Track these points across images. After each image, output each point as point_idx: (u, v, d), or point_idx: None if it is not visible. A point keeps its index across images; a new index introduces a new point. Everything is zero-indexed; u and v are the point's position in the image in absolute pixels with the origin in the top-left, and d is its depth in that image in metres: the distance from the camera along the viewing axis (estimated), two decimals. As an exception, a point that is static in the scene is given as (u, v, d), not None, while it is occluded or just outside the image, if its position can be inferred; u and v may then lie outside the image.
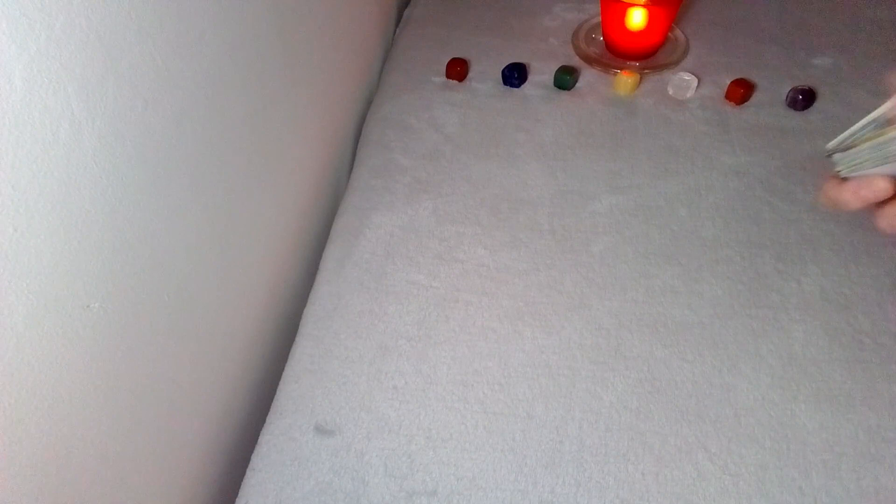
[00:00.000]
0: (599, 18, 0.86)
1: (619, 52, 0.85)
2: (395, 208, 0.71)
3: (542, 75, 0.84)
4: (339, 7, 0.74)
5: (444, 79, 0.84)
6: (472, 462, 0.54)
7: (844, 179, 0.53)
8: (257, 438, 0.57)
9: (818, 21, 0.89)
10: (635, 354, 0.59)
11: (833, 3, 0.91)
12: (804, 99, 0.77)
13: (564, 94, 0.82)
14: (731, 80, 0.79)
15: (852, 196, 0.51)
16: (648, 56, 0.85)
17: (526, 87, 0.83)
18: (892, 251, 0.63)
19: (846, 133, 0.56)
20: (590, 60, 0.85)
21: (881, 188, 0.43)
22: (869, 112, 0.53)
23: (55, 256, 0.37)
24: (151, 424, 0.48)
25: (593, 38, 0.88)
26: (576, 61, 0.85)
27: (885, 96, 0.76)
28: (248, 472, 0.55)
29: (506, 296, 0.63)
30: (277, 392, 0.59)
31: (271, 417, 0.58)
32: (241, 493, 0.54)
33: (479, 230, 0.69)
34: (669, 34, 0.87)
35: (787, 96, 0.78)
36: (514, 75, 0.82)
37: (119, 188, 0.41)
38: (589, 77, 0.84)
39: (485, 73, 0.84)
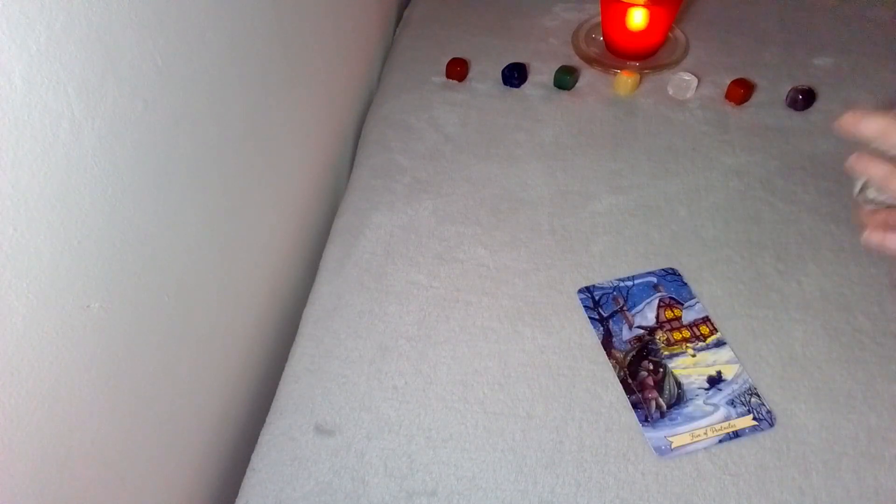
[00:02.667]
0: (599, 18, 0.86)
1: (619, 52, 0.85)
2: (395, 208, 0.71)
3: (542, 75, 0.84)
4: (339, 7, 0.74)
5: (444, 79, 0.84)
6: (472, 462, 0.54)
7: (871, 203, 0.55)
8: (257, 438, 0.57)
9: (818, 21, 0.89)
10: (635, 354, 0.59)
11: (833, 3, 0.91)
12: (804, 99, 0.77)
13: (564, 94, 0.82)
14: (731, 80, 0.79)
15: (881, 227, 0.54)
16: (648, 56, 0.85)
17: (526, 87, 0.83)
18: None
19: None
20: (590, 60, 0.85)
21: None
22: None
23: (55, 256, 0.37)
24: (151, 424, 0.48)
25: (593, 38, 0.88)
26: (576, 61, 0.85)
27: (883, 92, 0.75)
28: (248, 472, 0.55)
29: (506, 296, 0.63)
30: (277, 392, 0.59)
31: (271, 417, 0.58)
32: (241, 493, 0.54)
33: (479, 230, 0.69)
34: (669, 34, 0.87)
35: (787, 96, 0.78)
36: (514, 75, 0.82)
37: (119, 188, 0.41)
38: (589, 77, 0.84)
39: (485, 73, 0.84)
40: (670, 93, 0.81)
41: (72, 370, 0.39)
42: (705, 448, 0.47)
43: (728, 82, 0.79)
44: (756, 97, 0.79)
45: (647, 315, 0.53)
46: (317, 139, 0.73)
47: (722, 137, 0.76)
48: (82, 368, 0.40)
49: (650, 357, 0.52)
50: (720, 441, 0.48)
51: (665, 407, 0.50)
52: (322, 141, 0.74)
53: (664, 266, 0.63)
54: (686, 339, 0.53)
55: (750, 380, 0.51)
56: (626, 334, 0.52)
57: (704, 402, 0.50)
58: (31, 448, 0.37)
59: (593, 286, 0.53)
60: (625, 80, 0.80)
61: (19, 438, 0.36)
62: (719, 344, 0.53)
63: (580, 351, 0.59)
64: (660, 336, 0.53)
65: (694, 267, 0.64)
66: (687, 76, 0.80)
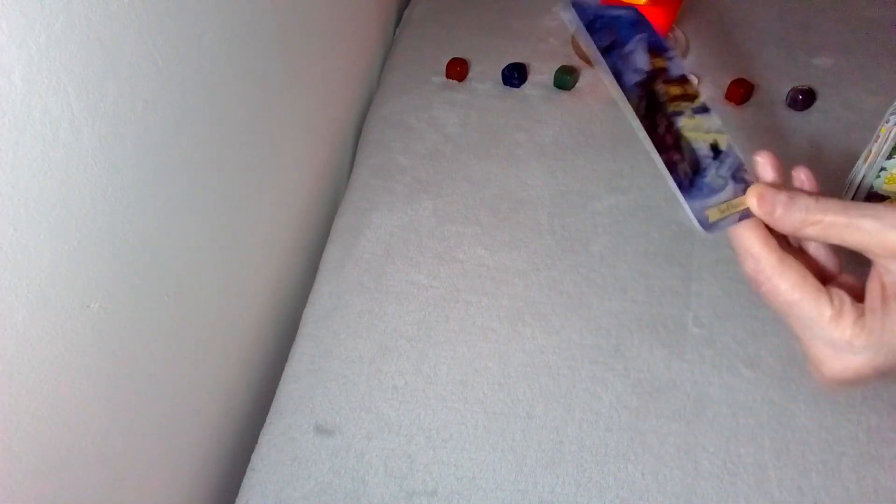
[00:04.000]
0: (599, 18, 0.86)
1: (619, 52, 0.85)
2: (395, 208, 0.71)
3: (542, 75, 0.84)
4: (339, 7, 0.74)
5: (444, 79, 0.84)
6: (472, 462, 0.54)
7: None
8: (257, 438, 0.57)
9: (818, 21, 0.89)
10: (635, 354, 0.59)
11: (833, 3, 0.91)
12: (804, 99, 0.77)
13: (564, 94, 0.82)
14: (731, 80, 0.79)
15: None
16: (648, 56, 0.85)
17: (526, 87, 0.83)
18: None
19: (850, 185, 0.59)
20: (590, 61, 0.85)
21: None
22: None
23: (55, 256, 0.37)
24: (151, 424, 0.48)
25: (593, 38, 0.88)
26: (576, 61, 0.85)
27: (882, 95, 0.77)
28: (248, 472, 0.55)
29: (506, 296, 0.63)
30: (277, 392, 0.59)
31: (271, 417, 0.58)
32: (241, 493, 0.54)
33: (479, 230, 0.69)
34: (669, 34, 0.87)
35: (787, 96, 0.78)
36: (514, 75, 0.82)
37: (119, 188, 0.41)
38: (589, 77, 0.84)
39: (485, 73, 0.84)
40: (670, 93, 0.81)
41: (72, 370, 0.39)
42: (729, 226, 0.42)
43: (728, 82, 0.79)
44: (756, 97, 0.79)
45: (640, 58, 0.45)
46: (317, 139, 0.73)
47: (722, 137, 0.76)
48: (82, 368, 0.40)
49: (661, 111, 0.44)
50: (740, 218, 0.42)
51: (690, 173, 0.43)
52: (322, 141, 0.74)
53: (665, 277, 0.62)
54: (680, 97, 0.46)
55: (739, 153, 0.47)
56: (631, 77, 0.44)
57: (717, 174, 0.44)
58: (31, 448, 0.37)
59: (581, 5, 0.44)
60: (625, 80, 0.80)
61: (19, 438, 0.36)
62: (706, 108, 0.46)
63: (580, 351, 0.59)
64: (659, 87, 0.45)
65: (694, 267, 0.64)
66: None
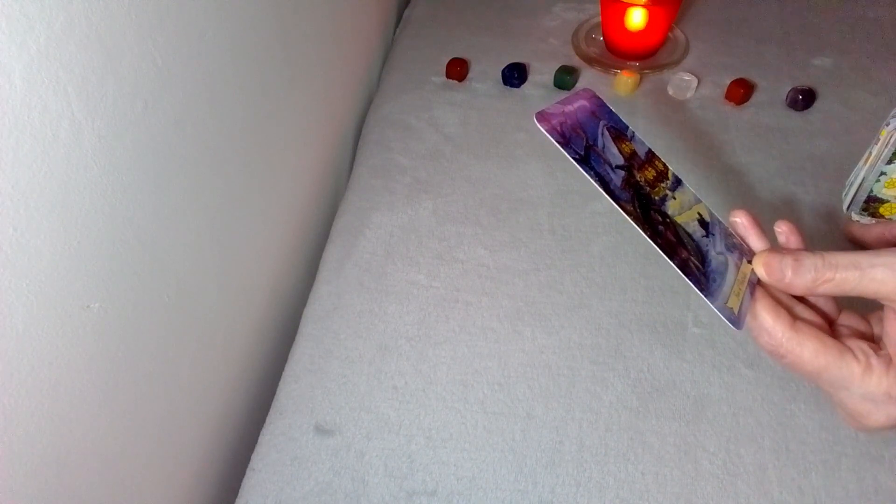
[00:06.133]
0: (599, 18, 0.86)
1: (619, 52, 0.85)
2: (395, 208, 0.71)
3: (542, 75, 0.84)
4: (339, 7, 0.74)
5: (444, 79, 0.84)
6: (472, 462, 0.54)
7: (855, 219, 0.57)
8: (257, 438, 0.57)
9: (818, 21, 0.89)
10: (635, 354, 0.59)
11: (833, 3, 0.91)
12: (804, 99, 0.77)
13: (565, 94, 0.82)
14: (731, 80, 0.79)
15: (877, 240, 0.54)
16: (648, 56, 0.85)
17: (526, 87, 0.83)
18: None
19: (850, 186, 0.59)
20: (590, 60, 0.85)
21: None
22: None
23: (55, 256, 0.37)
24: (151, 424, 0.48)
25: (593, 38, 0.88)
26: (576, 61, 0.85)
27: (883, 96, 0.77)
28: (248, 472, 0.55)
29: (506, 296, 0.63)
30: (277, 392, 0.59)
31: (271, 417, 0.58)
32: (240, 493, 0.54)
33: (479, 230, 0.69)
34: (669, 34, 0.87)
35: (787, 96, 0.78)
36: (514, 75, 0.82)
37: (119, 188, 0.41)
38: (589, 77, 0.84)
39: (485, 73, 0.84)
40: (670, 93, 0.81)
41: (72, 370, 0.39)
42: (747, 307, 0.41)
43: (728, 82, 0.79)
44: (756, 97, 0.79)
45: (612, 151, 0.44)
46: (317, 139, 0.73)
47: (722, 137, 0.76)
48: (82, 368, 0.40)
49: (652, 206, 0.43)
50: (751, 291, 0.41)
51: (702, 266, 0.42)
52: (322, 141, 0.74)
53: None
54: (656, 179, 0.45)
55: (719, 217, 0.45)
56: (614, 178, 0.43)
57: (716, 253, 0.43)
58: (31, 448, 0.37)
59: (549, 113, 0.43)
60: (625, 80, 0.80)
61: (19, 438, 0.36)
62: (679, 181, 0.45)
63: (580, 351, 0.59)
64: (639, 178, 0.44)
65: (694, 267, 0.64)
66: (687, 76, 0.80)
